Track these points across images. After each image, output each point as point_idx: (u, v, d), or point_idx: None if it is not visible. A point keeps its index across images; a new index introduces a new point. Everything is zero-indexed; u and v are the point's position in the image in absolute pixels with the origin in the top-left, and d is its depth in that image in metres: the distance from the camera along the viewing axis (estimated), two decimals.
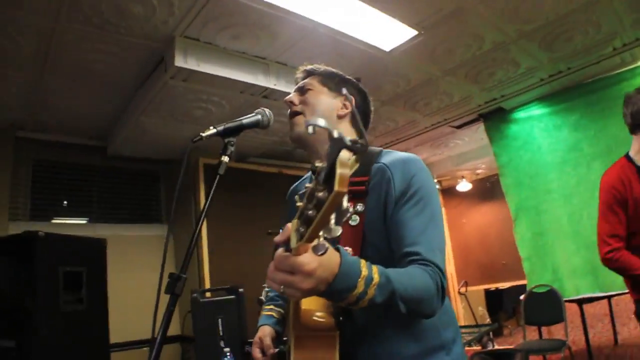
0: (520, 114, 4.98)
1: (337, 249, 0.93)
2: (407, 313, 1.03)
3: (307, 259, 0.84)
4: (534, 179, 4.80)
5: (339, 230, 0.72)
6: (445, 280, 1.12)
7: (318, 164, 0.70)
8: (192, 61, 3.07)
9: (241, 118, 1.32)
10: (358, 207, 1.21)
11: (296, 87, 1.45)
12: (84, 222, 4.44)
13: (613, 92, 4.31)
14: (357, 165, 0.62)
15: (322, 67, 1.47)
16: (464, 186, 7.61)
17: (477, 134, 5.73)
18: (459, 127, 5.46)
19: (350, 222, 1.18)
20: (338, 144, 0.66)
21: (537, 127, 4.84)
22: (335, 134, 0.66)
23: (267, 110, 1.38)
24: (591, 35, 3.69)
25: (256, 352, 1.42)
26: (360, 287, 0.93)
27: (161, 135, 4.18)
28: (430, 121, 5.14)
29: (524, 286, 4.81)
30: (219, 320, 3.36)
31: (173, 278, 1.05)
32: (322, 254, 0.79)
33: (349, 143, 0.66)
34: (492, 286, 7.29)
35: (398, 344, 1.19)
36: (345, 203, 0.67)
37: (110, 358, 3.06)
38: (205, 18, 2.85)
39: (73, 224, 4.37)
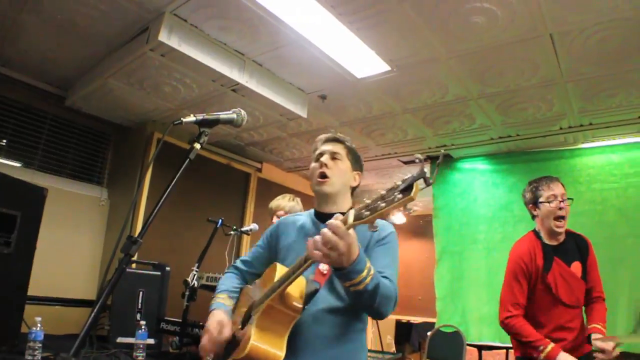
0: (465, 165, 5.28)
1: None
2: (375, 307, 1.44)
3: (352, 233, 1.26)
4: (464, 227, 5.09)
5: (396, 220, 1.03)
6: (397, 294, 1.55)
7: (398, 182, 1.07)
8: (175, 39, 3.13)
9: (219, 113, 1.43)
10: None
11: (330, 151, 1.82)
12: (19, 165, 4.30)
13: (551, 166, 4.66)
14: (420, 188, 1.05)
15: (348, 140, 1.88)
16: (398, 219, 7.87)
17: None
18: (407, 162, 5.71)
19: (321, 269, 1.57)
20: (422, 174, 1.03)
21: (478, 180, 5.15)
22: (425, 170, 1.03)
23: (243, 112, 1.50)
24: (543, 111, 4.03)
25: (208, 341, 1.59)
26: (365, 272, 1.34)
27: (124, 100, 4.18)
28: (381, 151, 5.37)
29: (434, 324, 5.07)
30: (140, 293, 3.39)
31: (130, 240, 1.15)
32: (374, 230, 1.17)
33: (428, 178, 1.03)
34: (404, 318, 7.57)
35: (331, 339, 1.61)
36: (408, 206, 1.06)
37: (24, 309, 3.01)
38: (199, 3, 2.93)
39: (7, 165, 4.21)
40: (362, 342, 1.73)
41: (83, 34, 3.43)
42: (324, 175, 1.76)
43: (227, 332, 1.60)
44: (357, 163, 1.89)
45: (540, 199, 2.67)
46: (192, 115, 1.35)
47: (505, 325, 2.60)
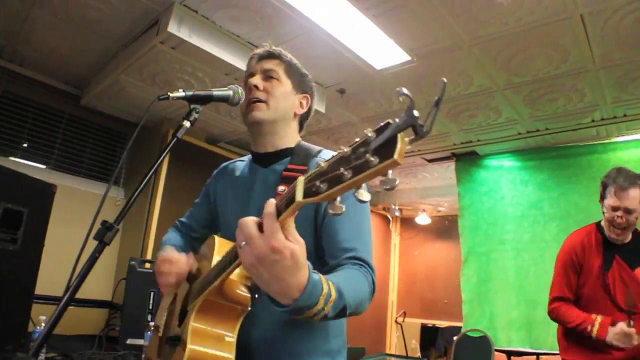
0: (492, 162, 5.09)
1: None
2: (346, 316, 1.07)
3: (285, 238, 0.79)
4: (491, 227, 4.91)
5: (368, 196, 0.69)
6: (375, 276, 1.19)
7: (368, 132, 0.64)
8: (185, 31, 3.04)
9: (212, 89, 1.30)
10: None
11: (261, 68, 1.42)
12: (43, 167, 4.30)
13: (582, 161, 4.45)
14: (408, 146, 0.62)
15: (288, 55, 1.47)
16: (423, 219, 7.69)
17: (447, 172, 5.82)
18: (431, 161, 5.53)
19: None
20: (411, 120, 0.61)
21: (505, 177, 4.96)
22: (415, 112, 0.61)
23: (240, 88, 1.36)
24: (574, 102, 3.81)
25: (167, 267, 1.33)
26: (321, 304, 0.91)
27: (138, 97, 4.10)
28: None
29: (460, 328, 4.89)
30: (152, 293, 3.30)
31: (105, 226, 1.02)
32: (336, 214, 0.71)
33: (421, 125, 0.61)
34: (430, 322, 7.36)
35: (291, 339, 1.24)
36: (390, 174, 0.64)
37: (32, 308, 2.95)
38: None
39: (29, 165, 4.20)
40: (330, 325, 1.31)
41: (94, 29, 3.36)
42: (257, 100, 1.36)
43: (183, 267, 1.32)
44: (301, 83, 1.46)
45: (605, 202, 2.40)
46: (181, 90, 1.22)
47: (550, 313, 2.47)
